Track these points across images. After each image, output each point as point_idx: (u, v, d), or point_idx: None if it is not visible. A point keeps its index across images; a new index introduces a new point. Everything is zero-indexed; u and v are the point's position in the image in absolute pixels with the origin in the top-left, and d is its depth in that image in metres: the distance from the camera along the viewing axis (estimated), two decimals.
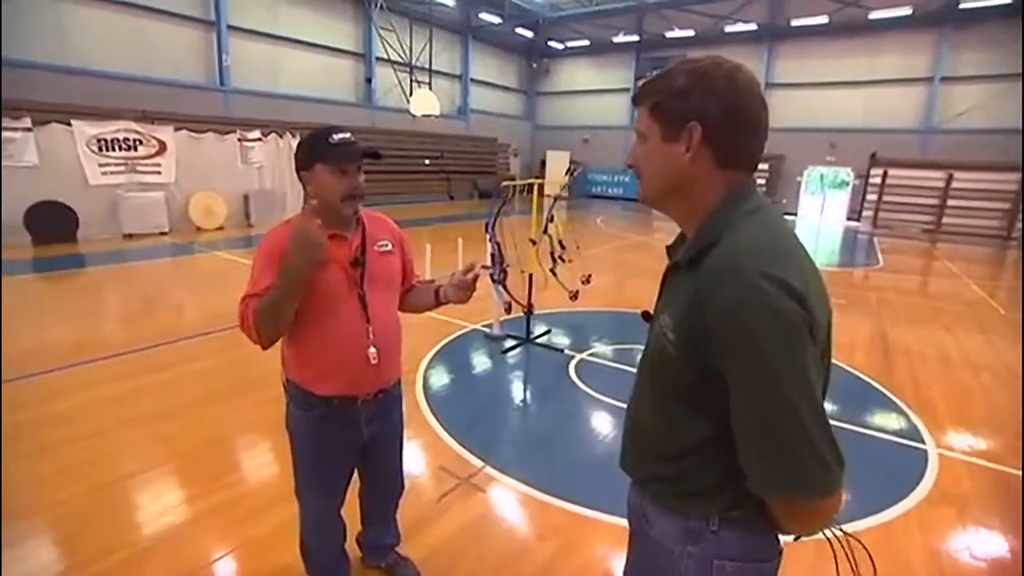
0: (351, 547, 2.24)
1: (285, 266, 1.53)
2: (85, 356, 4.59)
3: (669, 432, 1.00)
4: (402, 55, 18.36)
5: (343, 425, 1.83)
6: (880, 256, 12.26)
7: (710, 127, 0.92)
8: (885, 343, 5.90)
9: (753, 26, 19.46)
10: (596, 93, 24.38)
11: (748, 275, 0.83)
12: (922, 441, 3.67)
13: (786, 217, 0.98)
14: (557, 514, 2.77)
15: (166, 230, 11.01)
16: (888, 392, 4.48)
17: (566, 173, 8.77)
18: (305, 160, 1.68)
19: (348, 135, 1.69)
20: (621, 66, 23.62)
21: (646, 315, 1.14)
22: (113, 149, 10.56)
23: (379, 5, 17.72)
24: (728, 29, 20.06)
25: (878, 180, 18.32)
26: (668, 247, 1.14)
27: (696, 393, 0.93)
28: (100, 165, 10.41)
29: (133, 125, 10.83)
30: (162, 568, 2.32)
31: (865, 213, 18.75)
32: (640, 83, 1.03)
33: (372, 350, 1.74)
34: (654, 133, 0.98)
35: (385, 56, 18.34)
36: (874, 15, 17.44)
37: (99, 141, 10.38)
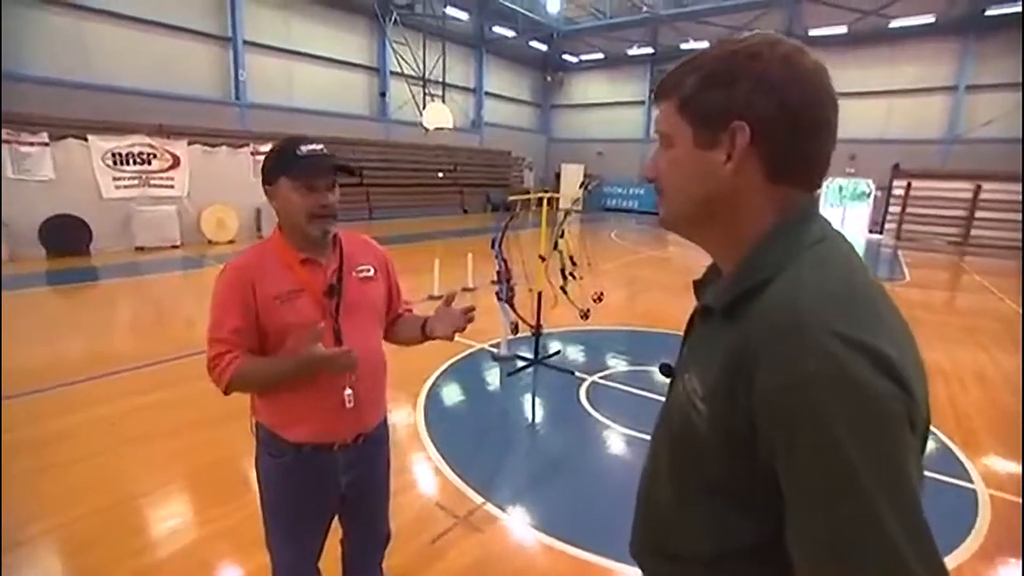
0: None
1: (307, 362, 1.40)
2: (96, 371, 4.49)
3: (695, 529, 0.75)
4: (415, 69, 18.40)
5: (316, 473, 1.60)
6: (906, 270, 11.80)
7: (761, 128, 0.68)
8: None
9: None
10: (610, 106, 24.21)
11: (818, 337, 0.58)
12: (970, 480, 3.32)
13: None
14: (563, 561, 2.51)
15: (178, 243, 11.01)
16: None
17: (581, 186, 8.56)
18: (270, 174, 1.48)
19: (319, 147, 1.48)
20: (636, 79, 23.46)
21: (666, 369, 0.89)
22: (127, 163, 10.62)
23: (393, 19, 17.82)
24: None
25: (901, 192, 17.84)
26: (695, 282, 0.89)
27: (735, 487, 0.68)
28: (114, 179, 10.47)
29: (147, 139, 10.90)
30: None
31: (888, 225, 18.26)
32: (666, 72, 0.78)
33: (348, 392, 1.52)
34: (684, 136, 0.73)
35: (399, 70, 18.41)
36: (896, 23, 17.07)
37: (114, 155, 10.45)
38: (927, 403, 0.64)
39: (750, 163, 0.70)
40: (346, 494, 1.69)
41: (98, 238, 10.07)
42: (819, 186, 0.75)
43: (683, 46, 20.76)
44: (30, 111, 10.42)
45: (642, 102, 23.27)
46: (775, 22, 19.36)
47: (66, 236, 9.76)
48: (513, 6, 19.87)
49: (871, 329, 0.60)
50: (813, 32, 18.35)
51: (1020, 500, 3.13)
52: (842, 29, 17.81)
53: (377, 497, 1.81)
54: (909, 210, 17.68)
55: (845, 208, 20.53)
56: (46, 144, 9.70)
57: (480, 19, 20.86)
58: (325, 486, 1.62)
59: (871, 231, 19.09)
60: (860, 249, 15.69)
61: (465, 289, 7.32)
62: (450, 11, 18.39)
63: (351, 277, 1.59)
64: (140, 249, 10.49)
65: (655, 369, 0.97)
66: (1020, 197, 15.93)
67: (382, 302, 1.70)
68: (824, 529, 0.58)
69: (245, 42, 14.80)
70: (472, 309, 1.67)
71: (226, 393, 1.48)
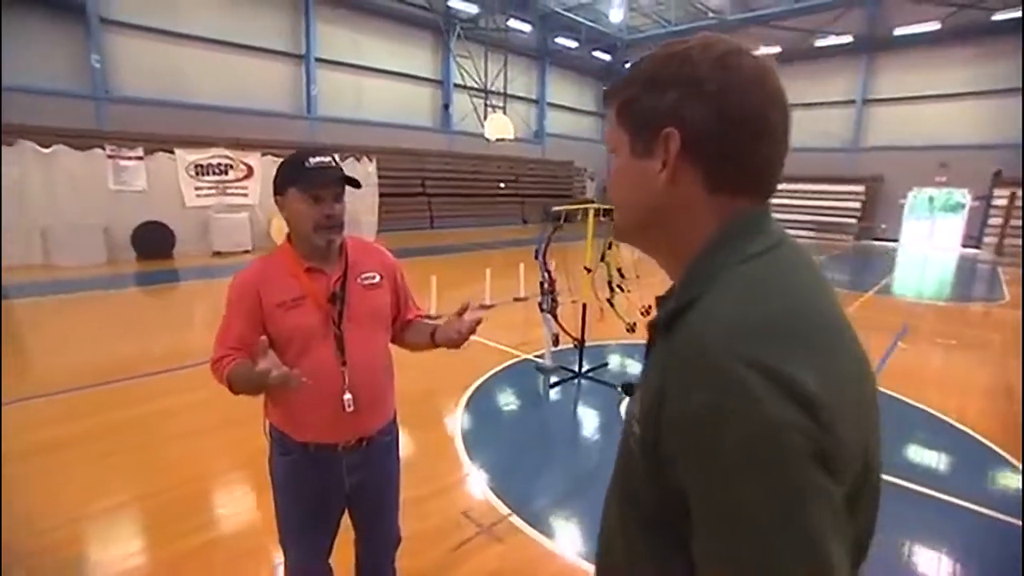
0: None
1: (256, 380, 1.37)
2: (170, 364, 4.86)
3: (633, 568, 0.70)
4: (478, 81, 18.80)
5: (322, 473, 1.65)
6: (1005, 288, 10.71)
7: (694, 135, 0.63)
8: (1011, 397, 4.97)
9: (848, 38, 18.06)
10: None
11: (722, 362, 0.54)
12: None
13: (801, 263, 0.65)
14: None
15: (249, 248, 11.76)
16: (1015, 460, 3.70)
17: None
18: (280, 184, 1.55)
19: (326, 159, 1.53)
20: None
21: (628, 388, 0.84)
22: (207, 174, 11.52)
23: (457, 34, 18.32)
24: (819, 43, 18.80)
25: (1003, 201, 16.19)
26: (658, 298, 0.84)
27: (663, 520, 0.63)
28: (196, 188, 11.39)
29: (225, 151, 11.77)
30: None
31: (986, 239, 16.64)
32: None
33: (347, 396, 1.56)
34: (623, 145, 0.70)
35: (462, 82, 18.87)
36: (1000, 16, 15.41)
37: (196, 167, 11.37)
38: (868, 445, 0.58)
39: (687, 172, 0.66)
40: (353, 495, 1.73)
41: (180, 243, 10.96)
42: (769, 195, 0.69)
43: (752, 52, 19.99)
44: (129, 129, 11.57)
45: None
46: (855, 22, 18.26)
47: (154, 241, 10.69)
48: (576, 17, 19.90)
49: (788, 355, 0.54)
50: (900, 31, 17.12)
51: (1021, 522, 2.80)
52: (933, 26, 16.42)
53: (385, 499, 1.83)
54: (1014, 222, 16.00)
55: (934, 221, 18.91)
56: (141, 158, 10.69)
57: (543, 31, 21.04)
58: (331, 486, 1.66)
59: (965, 245, 17.48)
60: (951, 265, 14.47)
61: (483, 305, 7.31)
62: (513, 24, 18.68)
63: (355, 284, 1.63)
64: (217, 254, 11.29)
65: None
66: None
67: (387, 309, 1.72)
68: (711, 560, 0.55)
69: (317, 59, 15.70)
70: (479, 322, 1.66)
71: (232, 393, 1.55)
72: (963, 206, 17.99)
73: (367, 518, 1.84)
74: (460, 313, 1.66)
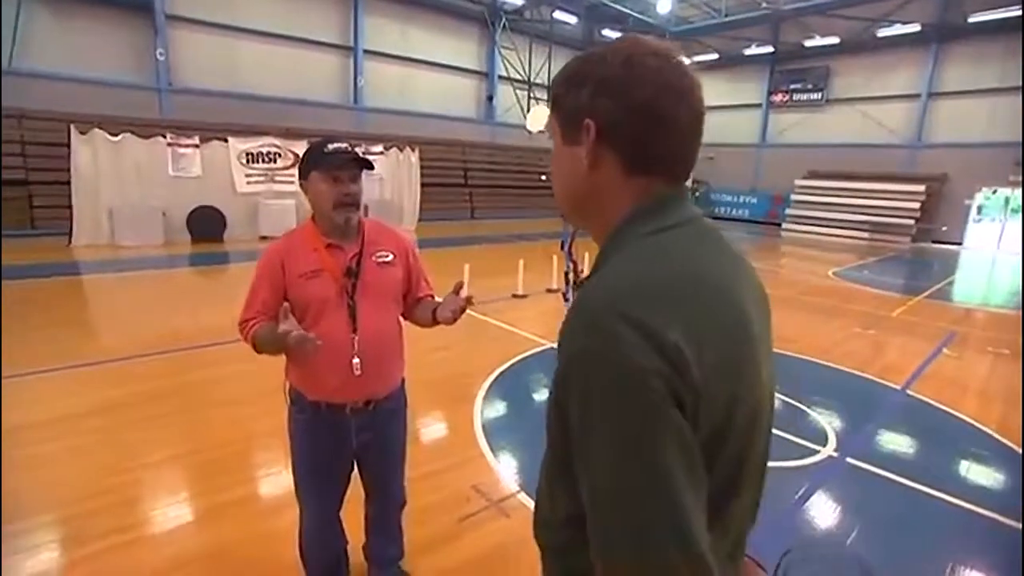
0: (358, 558, 2.25)
1: (273, 339, 1.57)
2: (218, 338, 5.19)
3: (550, 498, 0.82)
4: (522, 73, 18.86)
5: (332, 431, 1.83)
6: None
7: (606, 126, 0.74)
8: None
9: (916, 27, 17.08)
10: (724, 109, 22.91)
11: (599, 315, 0.63)
12: None
13: (713, 238, 0.76)
14: None
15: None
16: None
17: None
18: (304, 170, 1.73)
19: (344, 145, 1.71)
20: (754, 79, 22.13)
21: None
22: (257, 161, 12.11)
23: (502, 25, 18.43)
24: (883, 33, 17.87)
25: None
26: None
27: (566, 454, 0.74)
28: (246, 176, 11.98)
29: (274, 140, 12.32)
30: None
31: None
32: None
33: (356, 360, 1.73)
34: (557, 134, 0.82)
35: (506, 74, 18.98)
36: None
37: (247, 155, 11.96)
38: (729, 395, 0.66)
39: (605, 157, 0.76)
40: (360, 455, 1.91)
41: (231, 227, 11.58)
42: (683, 177, 0.78)
43: (807, 43, 19.24)
44: (188, 119, 12.32)
45: (759, 105, 21.93)
46: (926, 10, 17.22)
47: (207, 224, 11.34)
48: (623, 8, 19.64)
49: (655, 311, 0.62)
50: (975, 18, 15.99)
51: (1020, 523, 2.69)
52: (1015, 11, 15.14)
53: (389, 462, 2.01)
54: None
55: (1005, 223, 17.71)
56: (197, 146, 11.34)
57: (589, 22, 20.87)
58: (339, 442, 1.85)
59: None
60: (1018, 271, 13.57)
61: (515, 295, 7.51)
62: (559, 15, 18.62)
63: (370, 261, 1.80)
64: (264, 238, 11.86)
65: None
66: None
67: (398, 285, 1.89)
68: (582, 486, 0.66)
69: (365, 51, 16.15)
70: (470, 298, 1.80)
71: (258, 354, 1.75)
72: None
73: (373, 478, 2.02)
74: (456, 291, 1.80)
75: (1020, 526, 2.87)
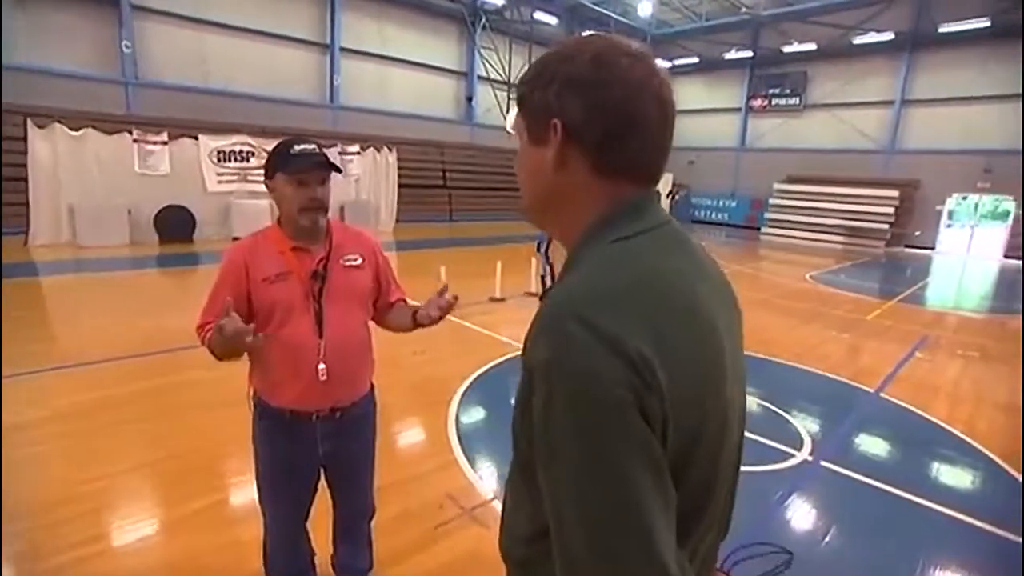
0: (326, 569, 2.21)
1: (216, 336, 1.51)
2: (186, 343, 4.99)
3: (516, 511, 0.81)
4: (502, 73, 18.90)
5: (297, 439, 1.80)
6: None
7: (574, 125, 0.72)
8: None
9: (889, 35, 17.62)
10: (704, 113, 23.29)
11: (558, 322, 0.62)
12: None
13: (684, 245, 0.75)
14: None
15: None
16: (1017, 474, 3.67)
17: (667, 195, 8.44)
18: (269, 170, 1.70)
19: (311, 146, 1.68)
20: (732, 84, 22.53)
21: None
22: (230, 160, 11.92)
23: (482, 25, 18.45)
24: (858, 40, 18.39)
25: None
26: None
27: (532, 467, 0.72)
28: (218, 174, 11.78)
29: (248, 138, 12.13)
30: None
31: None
32: None
33: (322, 366, 1.70)
34: (523, 134, 0.80)
35: (486, 75, 19.00)
36: None
37: (218, 153, 11.77)
38: (706, 407, 0.66)
39: (573, 158, 0.74)
40: (327, 463, 1.88)
41: (201, 227, 11.36)
42: (653, 180, 0.77)
43: (786, 49, 19.67)
44: (155, 114, 12.03)
45: (738, 109, 22.31)
46: (899, 19, 17.75)
47: (175, 225, 11.10)
48: (604, 10, 19.84)
49: (619, 319, 0.61)
50: (945, 28, 16.58)
51: (1020, 528, 2.78)
52: (983, 23, 15.80)
53: (357, 470, 1.98)
54: None
55: (974, 229, 18.33)
56: (165, 143, 11.10)
57: (570, 24, 21.01)
58: (305, 451, 1.81)
59: (1007, 256, 16.94)
60: (989, 276, 14.07)
61: (492, 299, 7.53)
62: (539, 16, 18.72)
63: (337, 265, 1.77)
64: (236, 238, 11.63)
65: None
66: None
67: (367, 289, 1.86)
68: (547, 502, 0.64)
69: (341, 48, 16.01)
70: (456, 298, 1.79)
71: (217, 360, 1.68)
72: (1009, 214, 17.39)
73: (340, 486, 1.98)
74: (441, 293, 1.79)
75: (1018, 537, 2.93)
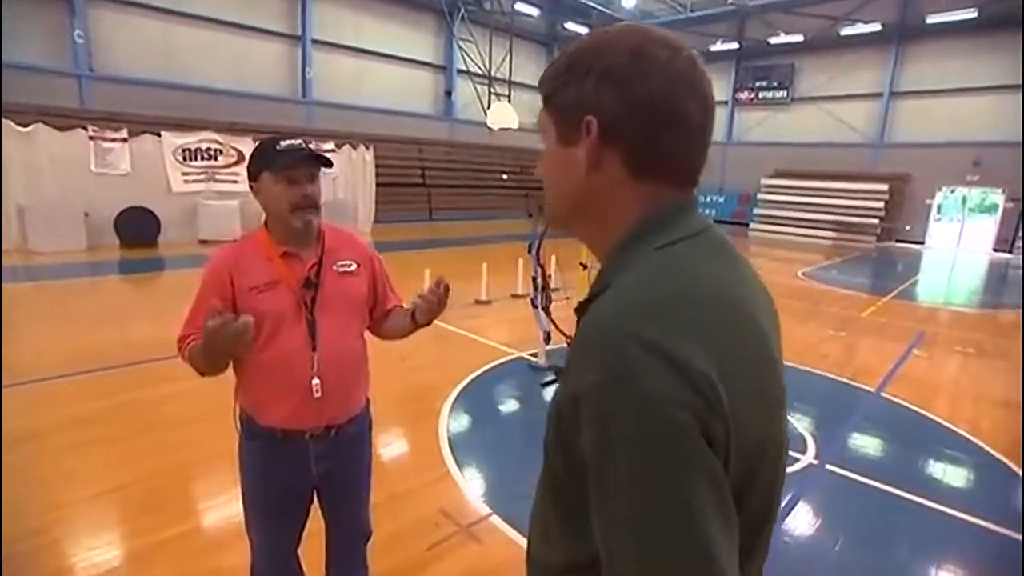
0: None
1: (205, 343, 1.43)
2: (152, 354, 4.91)
3: (546, 541, 0.77)
4: (482, 67, 18.85)
5: (288, 460, 1.72)
6: None
7: (611, 123, 0.69)
8: None
9: (877, 27, 18.00)
10: None
11: (615, 341, 0.59)
12: None
13: (727, 254, 0.70)
14: None
15: (238, 237, 11.80)
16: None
17: None
18: (254, 171, 1.63)
19: (297, 142, 1.61)
20: (718, 76, 22.70)
21: (559, 371, 0.91)
22: (196, 159, 11.66)
23: (461, 16, 18.38)
24: (846, 32, 18.76)
25: None
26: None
27: (572, 499, 0.69)
28: (183, 174, 11.52)
29: (215, 136, 11.89)
30: None
31: (1020, 243, 16.58)
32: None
33: (316, 381, 1.64)
34: (550, 132, 0.77)
35: (465, 68, 18.93)
36: None
37: (184, 151, 11.51)
38: (767, 431, 0.64)
39: (608, 159, 0.71)
40: (320, 485, 1.80)
41: (165, 229, 11.08)
42: (693, 182, 0.74)
43: (772, 40, 19.98)
44: (114, 109, 11.71)
45: (724, 102, 22.56)
46: (886, 9, 18.15)
47: (137, 227, 10.81)
48: (587, 1, 19.93)
49: (678, 335, 0.58)
50: (933, 19, 16.98)
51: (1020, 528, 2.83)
52: (970, 13, 16.24)
53: (353, 491, 1.90)
54: None
55: (964, 223, 18.84)
56: (125, 140, 10.81)
57: (552, 15, 21.08)
58: (297, 473, 1.73)
59: (997, 249, 17.42)
60: (980, 270, 14.44)
61: (478, 301, 7.48)
62: (520, 7, 18.73)
63: (330, 271, 1.71)
64: (204, 242, 11.41)
65: None
66: None
67: (362, 297, 1.80)
68: (601, 533, 0.60)
69: (313, 40, 15.81)
70: (447, 289, 1.73)
71: (199, 374, 1.63)
72: (997, 207, 17.88)
73: (335, 509, 1.91)
74: (437, 286, 1.73)
75: (1018, 535, 2.98)
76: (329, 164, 1.69)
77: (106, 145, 10.65)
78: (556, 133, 0.76)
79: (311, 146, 1.67)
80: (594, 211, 0.75)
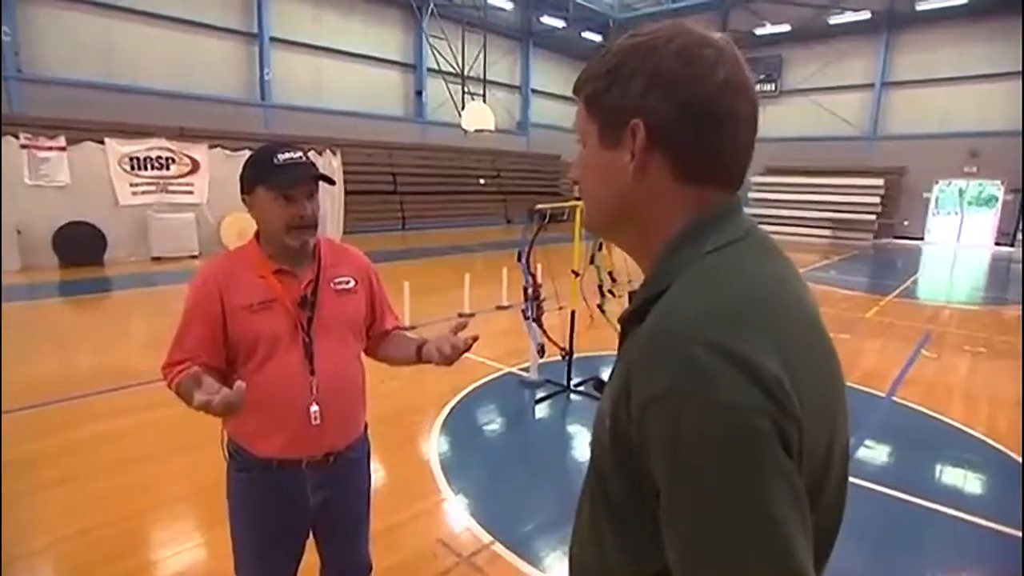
0: None
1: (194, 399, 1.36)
2: (104, 385, 4.79)
3: (596, 541, 0.78)
4: (454, 65, 18.94)
5: (284, 490, 1.69)
6: None
7: (659, 126, 0.71)
8: None
9: (866, 15, 18.58)
10: None
11: (686, 346, 0.61)
12: None
13: (775, 257, 0.76)
14: None
15: (196, 253, 11.68)
16: None
17: None
18: (247, 183, 1.61)
19: (297, 155, 1.60)
20: None
21: (599, 385, 0.92)
22: (145, 168, 11.47)
23: (430, 11, 18.47)
24: (834, 20, 19.34)
25: None
26: (630, 293, 0.91)
27: (633, 516, 0.71)
28: (131, 185, 11.32)
29: (166, 143, 11.72)
30: None
31: (1021, 236, 17.14)
32: None
33: (314, 408, 1.62)
34: (591, 136, 0.79)
35: (436, 66, 19.00)
36: None
37: (131, 160, 11.31)
38: (833, 436, 0.67)
39: (654, 163, 0.73)
40: (318, 516, 1.78)
41: (113, 247, 10.85)
42: (739, 184, 0.77)
43: (758, 31, 20.47)
44: (49, 114, 11.44)
45: None
46: None
47: (80, 245, 10.56)
48: None
49: (749, 339, 0.61)
50: (923, 6, 17.57)
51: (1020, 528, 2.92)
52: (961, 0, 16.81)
53: (353, 522, 1.88)
54: None
55: (963, 216, 19.44)
56: (63, 148, 10.57)
57: (526, 9, 21.32)
58: (294, 505, 1.71)
59: (998, 243, 17.99)
60: (982, 265, 14.90)
61: (461, 314, 7.43)
62: (493, 1, 18.89)
63: (327, 289, 1.70)
64: (157, 259, 11.21)
65: None
66: None
67: (360, 316, 1.79)
68: (677, 545, 0.62)
69: (271, 38, 15.72)
70: (475, 339, 1.72)
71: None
72: (996, 199, 18.47)
73: (333, 542, 1.88)
74: (455, 332, 1.71)
75: (1020, 534, 3.06)
76: (332, 182, 1.68)
77: (41, 154, 10.40)
78: (598, 136, 0.78)
79: (303, 159, 1.63)
80: (637, 216, 0.78)
